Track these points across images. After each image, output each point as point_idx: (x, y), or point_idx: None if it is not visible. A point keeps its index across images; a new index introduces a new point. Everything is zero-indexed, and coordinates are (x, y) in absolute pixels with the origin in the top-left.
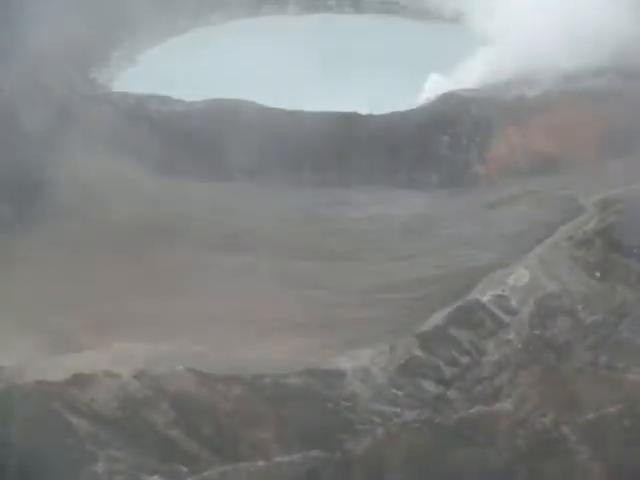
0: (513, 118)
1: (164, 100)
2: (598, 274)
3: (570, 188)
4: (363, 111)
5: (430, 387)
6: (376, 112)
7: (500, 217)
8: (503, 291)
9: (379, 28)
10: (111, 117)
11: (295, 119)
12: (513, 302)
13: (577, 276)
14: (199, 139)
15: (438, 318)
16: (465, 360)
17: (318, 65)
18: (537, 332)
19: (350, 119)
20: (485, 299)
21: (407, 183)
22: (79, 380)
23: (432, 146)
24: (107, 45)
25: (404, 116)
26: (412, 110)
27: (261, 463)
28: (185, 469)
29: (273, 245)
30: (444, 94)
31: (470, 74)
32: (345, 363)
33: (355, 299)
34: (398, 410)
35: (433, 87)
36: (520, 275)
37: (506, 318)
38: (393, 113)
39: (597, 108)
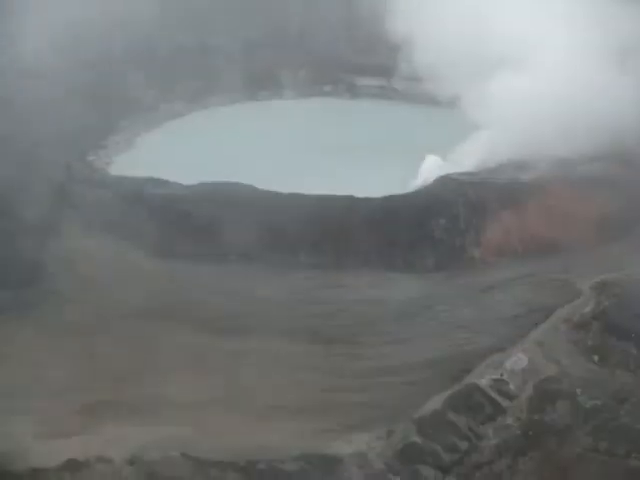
0: (509, 202)
1: (161, 183)
2: (597, 358)
3: (566, 271)
4: (360, 194)
5: (428, 473)
6: (372, 195)
7: (497, 300)
8: (501, 375)
9: (375, 112)
10: (108, 200)
11: (292, 202)
12: (512, 386)
13: (576, 360)
14: (196, 222)
15: (436, 403)
16: (464, 445)
17: (315, 148)
18: (536, 417)
19: (347, 202)
20: (483, 383)
21: (404, 266)
22: (72, 466)
23: (428, 229)
24: (105, 129)
25: (400, 199)
26: (408, 194)
27: None
28: None
29: (269, 328)
30: (440, 177)
31: (466, 158)
32: (342, 448)
33: (352, 383)
34: None
35: (430, 168)
36: (518, 359)
37: (505, 402)
38: (389, 196)
39: (592, 193)
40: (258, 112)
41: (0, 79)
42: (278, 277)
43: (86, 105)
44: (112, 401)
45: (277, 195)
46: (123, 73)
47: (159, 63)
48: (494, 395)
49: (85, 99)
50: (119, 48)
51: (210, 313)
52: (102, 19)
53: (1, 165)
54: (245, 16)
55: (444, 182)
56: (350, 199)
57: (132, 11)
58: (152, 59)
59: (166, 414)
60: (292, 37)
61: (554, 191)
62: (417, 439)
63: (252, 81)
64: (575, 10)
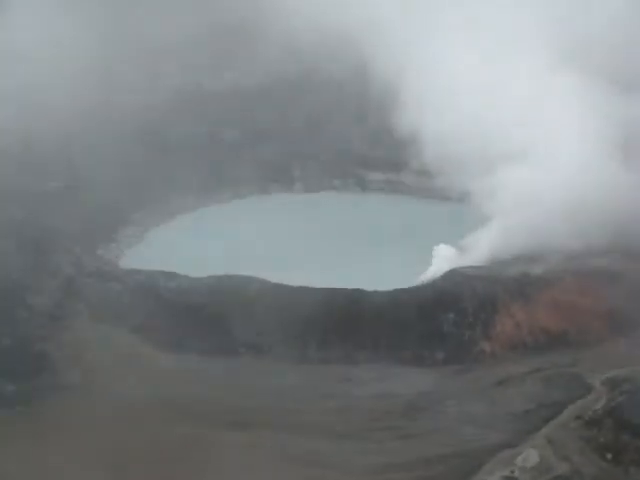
0: (518, 295)
1: (171, 276)
2: (610, 456)
3: (577, 366)
4: (369, 287)
5: None
6: (382, 288)
7: (507, 395)
8: (512, 472)
9: (385, 206)
10: (117, 293)
11: (300, 295)
12: None
13: (588, 457)
14: (205, 315)
15: None
16: None
17: (324, 241)
18: None
19: (355, 295)
20: None
21: (413, 360)
22: None
23: (437, 323)
24: (116, 223)
25: (409, 293)
26: (417, 287)
27: None
28: None
29: (277, 422)
30: (449, 271)
31: (476, 250)
32: None
33: (360, 479)
34: None
35: (439, 260)
36: (529, 455)
37: None
38: (398, 290)
39: (602, 287)
40: (269, 206)
41: None
42: (287, 371)
43: (100, 199)
44: None
45: (287, 288)
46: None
47: (170, 155)
48: None
49: (98, 194)
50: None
51: (216, 406)
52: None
53: (12, 255)
54: (256, 107)
55: (453, 276)
56: (359, 292)
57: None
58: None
59: None
60: (302, 130)
61: (564, 285)
62: None
63: (263, 174)
64: (583, 99)
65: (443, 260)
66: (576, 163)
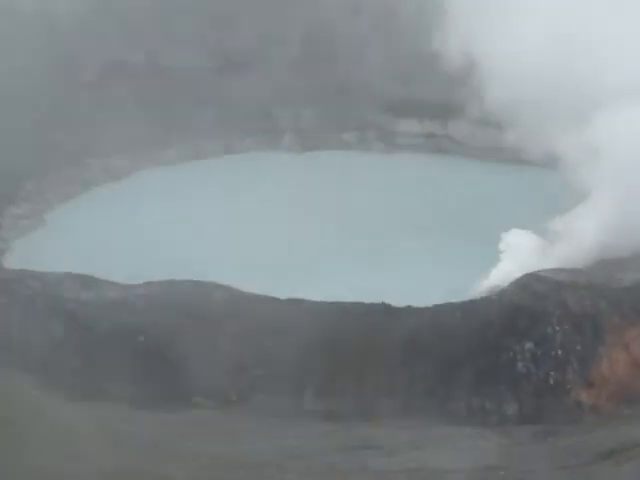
0: (638, 316)
1: (86, 282)
2: None
3: None
4: (397, 301)
5: None
6: (417, 303)
7: (620, 475)
8: None
9: (422, 172)
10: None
11: (292, 313)
12: None
13: None
14: (140, 344)
15: None
16: None
17: (328, 231)
18: None
19: (377, 314)
20: None
21: (467, 416)
22: None
23: (506, 359)
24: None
25: (461, 310)
26: (473, 301)
27: None
28: None
29: None
30: (524, 276)
31: (566, 244)
32: None
33: None
34: None
35: (512, 251)
36: None
37: None
38: (444, 305)
39: None
40: (242, 171)
41: None
42: (270, 432)
43: None
44: None
45: (270, 302)
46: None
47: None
48: None
49: None
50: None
51: None
52: None
53: None
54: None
55: (531, 283)
56: (382, 308)
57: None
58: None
59: None
60: (296, 54)
61: None
62: None
63: (235, 120)
64: None
65: (516, 257)
66: None
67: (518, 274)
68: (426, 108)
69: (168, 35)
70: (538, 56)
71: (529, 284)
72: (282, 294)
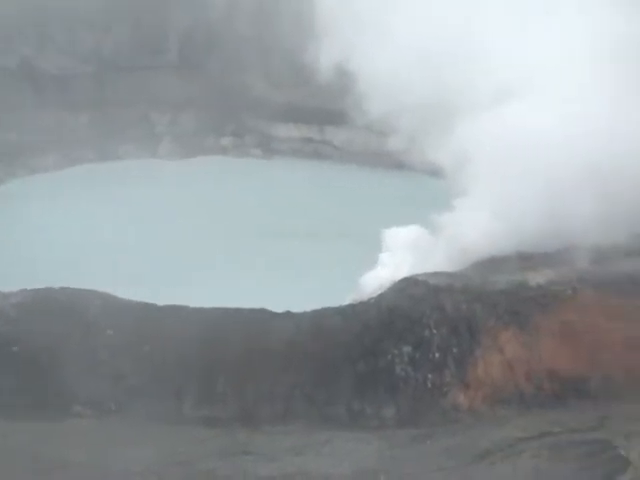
0: (510, 318)
1: None
2: None
3: (602, 428)
4: (276, 305)
5: None
6: (296, 307)
7: (495, 475)
8: None
9: (300, 178)
10: None
11: (170, 319)
12: None
13: None
14: (14, 353)
15: None
16: None
17: (204, 237)
18: None
19: (256, 320)
20: None
21: (347, 420)
22: None
23: (385, 362)
24: None
25: (340, 315)
26: (351, 306)
27: None
28: None
29: None
30: (402, 280)
31: (440, 247)
32: None
33: None
34: None
35: (390, 255)
36: None
37: None
38: (322, 310)
39: (626, 304)
40: (115, 178)
41: None
42: (149, 440)
43: None
44: None
45: (148, 308)
46: None
47: None
48: None
49: None
50: None
51: None
52: None
53: None
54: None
55: (407, 287)
56: (261, 314)
57: None
58: None
59: None
60: (170, 56)
61: (582, 302)
62: None
63: (111, 126)
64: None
65: (394, 261)
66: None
67: (396, 278)
68: (304, 114)
69: (43, 40)
70: (410, 69)
71: (406, 288)
72: (161, 301)
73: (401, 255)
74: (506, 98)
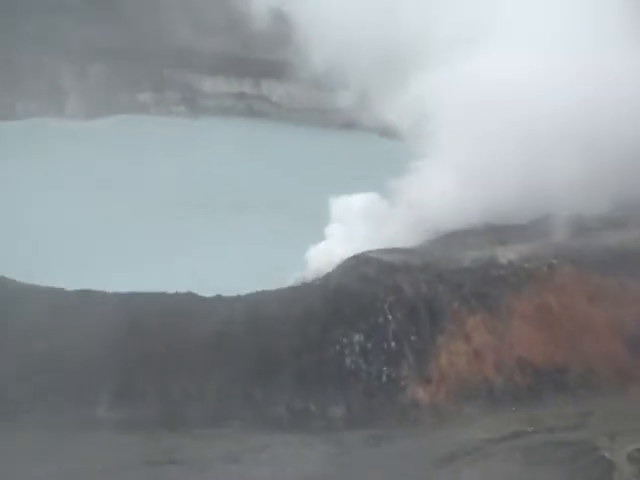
0: (477, 300)
1: None
2: None
3: (584, 428)
4: (205, 288)
5: None
6: (229, 290)
7: None
8: None
9: (230, 140)
10: None
11: (82, 305)
12: None
13: None
14: None
15: None
16: None
17: (114, 208)
18: None
19: (182, 304)
20: None
21: (287, 421)
22: None
23: (332, 353)
24: None
25: (278, 299)
26: (293, 289)
27: None
28: None
29: None
30: (352, 258)
31: (396, 218)
32: None
33: None
34: None
35: (338, 228)
36: None
37: None
38: (256, 294)
39: (624, 283)
40: (8, 138)
41: None
42: (55, 449)
43: None
44: None
45: (56, 294)
46: None
47: None
48: None
49: None
50: None
51: None
52: None
53: None
54: None
55: (358, 265)
56: (189, 298)
57: None
58: None
59: None
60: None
61: (559, 281)
62: None
63: (13, 80)
64: None
65: (343, 233)
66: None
67: (345, 254)
68: (236, 65)
69: None
70: (359, 14)
71: (357, 266)
72: (69, 285)
73: (351, 227)
74: (470, 47)
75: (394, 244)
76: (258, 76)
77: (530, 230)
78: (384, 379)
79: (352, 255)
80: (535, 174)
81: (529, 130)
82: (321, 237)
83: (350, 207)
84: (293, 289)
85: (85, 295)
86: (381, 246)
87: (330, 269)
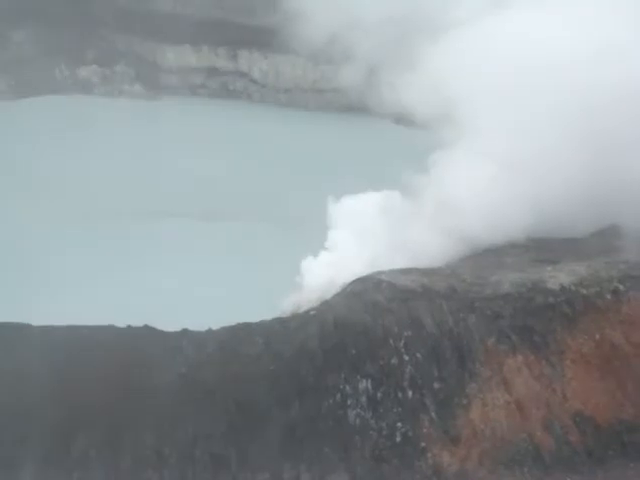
0: (522, 337)
1: None
2: None
3: None
4: (162, 322)
5: None
6: (199, 325)
7: None
8: None
9: (198, 124)
10: None
11: (4, 341)
12: None
13: None
14: None
15: None
16: None
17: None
18: None
19: (136, 341)
20: None
21: None
22: None
23: (330, 404)
24: None
25: (262, 334)
26: (281, 320)
27: None
28: None
29: None
30: (358, 281)
31: (419, 227)
32: None
33: None
34: None
35: (340, 241)
36: None
37: None
38: (232, 328)
39: None
40: None
41: None
42: None
43: None
44: None
45: None
46: None
47: None
48: None
49: None
50: None
51: None
52: None
53: None
54: None
55: (366, 291)
56: (146, 332)
57: None
58: None
59: None
60: None
61: (627, 312)
62: None
63: None
64: None
65: (346, 247)
66: None
67: (350, 274)
68: (208, 32)
69: None
70: None
71: (364, 292)
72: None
73: (359, 237)
74: (497, 9)
75: (413, 261)
76: (236, 46)
77: (589, 246)
78: (398, 439)
79: (358, 277)
80: (598, 173)
81: (591, 115)
82: (319, 250)
83: (351, 213)
84: (281, 321)
85: (5, 329)
86: (395, 264)
87: (330, 294)
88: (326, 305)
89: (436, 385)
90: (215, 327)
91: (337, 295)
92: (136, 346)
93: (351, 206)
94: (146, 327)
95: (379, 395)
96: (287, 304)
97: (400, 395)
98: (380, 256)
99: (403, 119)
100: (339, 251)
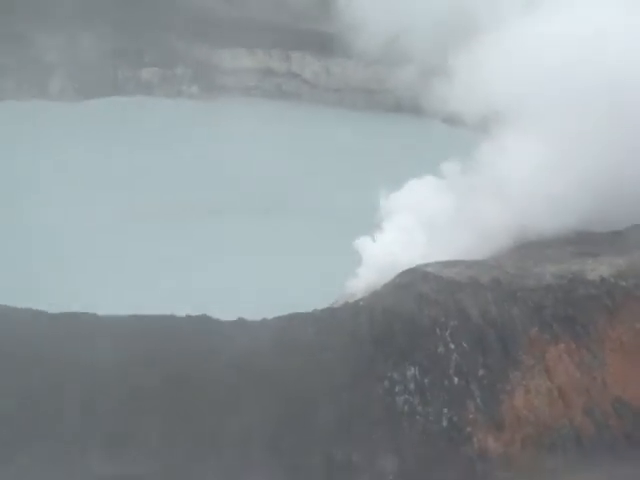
0: (564, 327)
1: None
2: None
3: None
4: (218, 312)
5: None
6: (248, 315)
7: None
8: None
9: (261, 125)
10: None
11: (63, 329)
12: None
13: None
14: None
15: None
16: None
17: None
18: None
19: (191, 331)
20: None
21: (323, 475)
22: None
23: (379, 390)
24: None
25: (313, 323)
26: (331, 310)
27: None
28: None
29: None
30: (406, 273)
31: (472, 220)
32: None
33: None
34: None
35: (387, 241)
36: None
37: None
38: (285, 318)
39: None
40: None
41: None
42: None
43: None
44: None
45: (34, 317)
46: None
47: None
48: None
49: None
50: None
51: None
52: None
53: None
54: None
55: (413, 282)
56: (203, 321)
57: None
58: None
59: None
60: None
61: None
62: None
63: None
64: None
65: (395, 240)
66: None
67: (397, 268)
68: (262, 35)
69: None
70: None
71: (411, 284)
72: (53, 307)
73: (406, 233)
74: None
75: (460, 254)
76: (288, 48)
77: (628, 239)
78: (445, 424)
79: (405, 270)
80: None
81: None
82: (370, 244)
83: (403, 207)
84: (332, 311)
85: (73, 319)
86: (443, 257)
87: (379, 285)
88: (375, 296)
89: (481, 372)
90: (269, 317)
91: (386, 286)
92: (194, 334)
93: (397, 202)
94: (204, 316)
95: (426, 382)
96: (337, 296)
97: (446, 382)
98: (426, 249)
99: (452, 119)
100: (401, 233)
